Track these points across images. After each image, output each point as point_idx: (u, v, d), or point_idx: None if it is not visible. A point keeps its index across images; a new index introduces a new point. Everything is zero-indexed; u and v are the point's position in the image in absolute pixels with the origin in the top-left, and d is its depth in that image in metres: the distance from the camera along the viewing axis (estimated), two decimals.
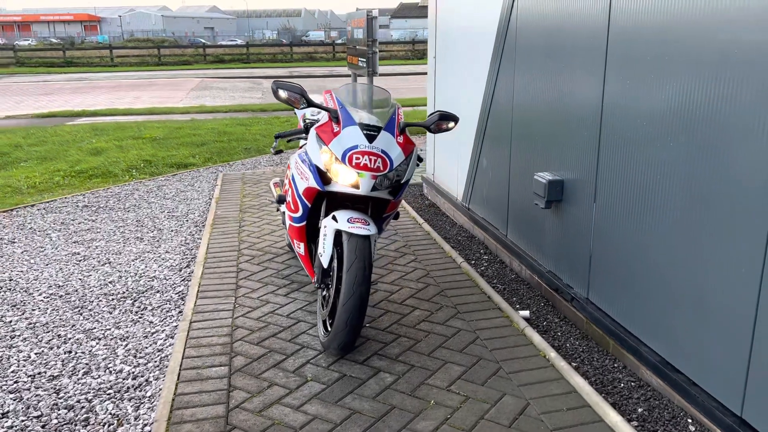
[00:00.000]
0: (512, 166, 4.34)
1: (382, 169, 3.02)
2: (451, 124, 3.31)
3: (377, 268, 4.37)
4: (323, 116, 3.22)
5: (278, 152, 3.62)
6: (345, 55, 9.00)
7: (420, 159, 3.58)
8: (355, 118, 3.10)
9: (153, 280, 4.35)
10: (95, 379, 3.09)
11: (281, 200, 3.61)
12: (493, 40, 4.49)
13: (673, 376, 2.71)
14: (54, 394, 2.95)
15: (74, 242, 5.17)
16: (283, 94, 3.07)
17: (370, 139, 3.04)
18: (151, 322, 3.72)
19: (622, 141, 3.02)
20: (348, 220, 3.01)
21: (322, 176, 3.07)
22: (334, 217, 3.07)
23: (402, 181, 3.14)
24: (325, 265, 3.09)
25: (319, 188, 3.09)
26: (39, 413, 2.80)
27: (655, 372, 2.83)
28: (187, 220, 5.75)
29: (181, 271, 4.51)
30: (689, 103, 2.55)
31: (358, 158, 2.99)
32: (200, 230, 5.44)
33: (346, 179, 3.01)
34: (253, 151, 9.16)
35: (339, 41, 41.53)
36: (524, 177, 4.14)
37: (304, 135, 3.42)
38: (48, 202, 6.44)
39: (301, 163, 3.27)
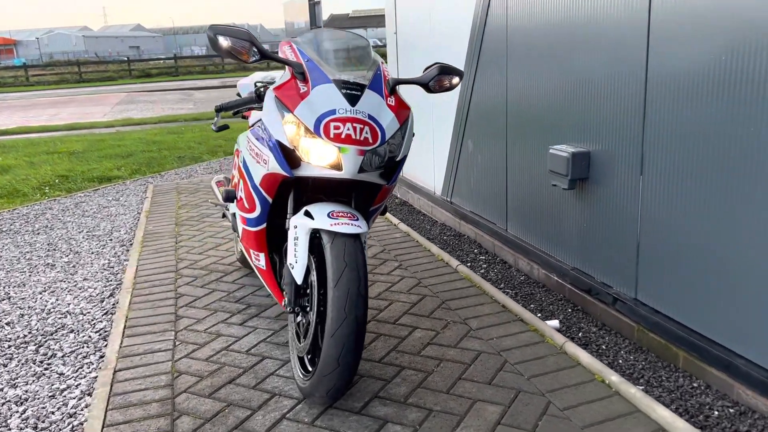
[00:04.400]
0: (510, 146, 3.57)
1: (371, 141, 2.17)
2: (456, 80, 2.49)
3: None
4: (283, 75, 2.35)
5: (221, 128, 2.73)
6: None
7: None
8: (328, 73, 2.24)
9: (66, 317, 3.35)
10: None
11: (230, 197, 2.70)
12: None
13: None
14: None
15: None
16: (225, 42, 2.17)
17: (352, 100, 2.19)
18: (62, 374, 2.75)
19: (681, 85, 2.28)
20: (329, 215, 2.15)
21: (288, 156, 2.20)
22: (307, 214, 2.21)
23: (398, 159, 2.30)
24: (299, 281, 2.22)
25: (285, 174, 2.21)
26: None
27: (763, 392, 2.09)
28: (110, 239, 4.73)
29: (102, 302, 3.52)
30: None
31: (337, 127, 2.13)
32: (127, 250, 4.44)
33: (322, 158, 2.15)
34: (188, 159, 8.13)
35: None
36: (531, 155, 3.38)
37: (255, 105, 2.53)
38: None
39: (256, 141, 2.38)
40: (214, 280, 3.64)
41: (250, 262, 2.76)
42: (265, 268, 2.62)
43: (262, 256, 2.60)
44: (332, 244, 2.09)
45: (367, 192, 2.45)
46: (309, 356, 2.32)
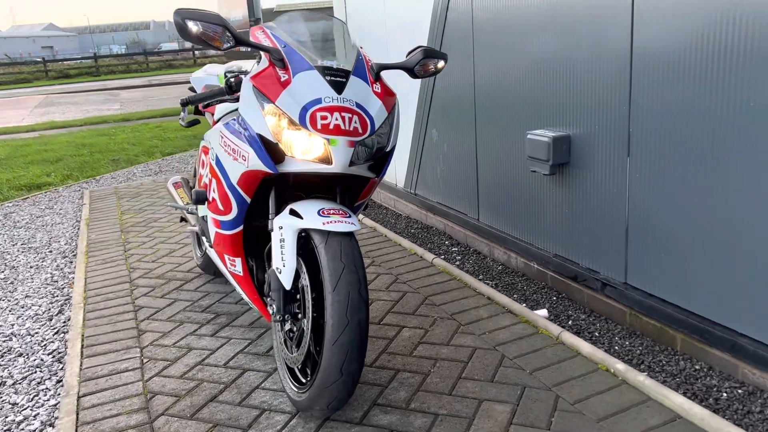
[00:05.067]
0: (480, 134, 3.47)
1: (361, 131, 2.01)
2: (441, 64, 2.36)
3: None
4: (258, 63, 2.15)
5: (192, 123, 2.50)
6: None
7: None
8: (308, 59, 2.07)
9: (11, 339, 3.04)
10: None
11: (200, 199, 2.48)
12: None
13: None
14: None
15: None
16: (195, 27, 1.96)
17: (338, 88, 2.02)
18: (15, 404, 2.47)
19: (670, 61, 2.23)
20: (319, 213, 1.98)
21: (271, 151, 2.01)
22: (293, 212, 2.03)
23: (387, 149, 2.15)
24: (287, 286, 2.04)
25: (268, 170, 2.02)
26: None
27: None
28: (50, 251, 4.37)
29: (51, 320, 3.22)
30: None
31: (325, 117, 1.96)
32: (71, 261, 4.11)
33: (309, 151, 1.98)
34: (123, 162, 7.68)
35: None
36: (505, 142, 3.29)
37: (228, 97, 2.31)
38: None
39: (231, 136, 2.18)
40: (174, 288, 3.39)
41: (224, 269, 2.55)
42: (242, 274, 2.42)
43: (238, 261, 2.40)
44: (326, 245, 1.92)
45: (354, 187, 2.29)
46: (300, 366, 2.14)
